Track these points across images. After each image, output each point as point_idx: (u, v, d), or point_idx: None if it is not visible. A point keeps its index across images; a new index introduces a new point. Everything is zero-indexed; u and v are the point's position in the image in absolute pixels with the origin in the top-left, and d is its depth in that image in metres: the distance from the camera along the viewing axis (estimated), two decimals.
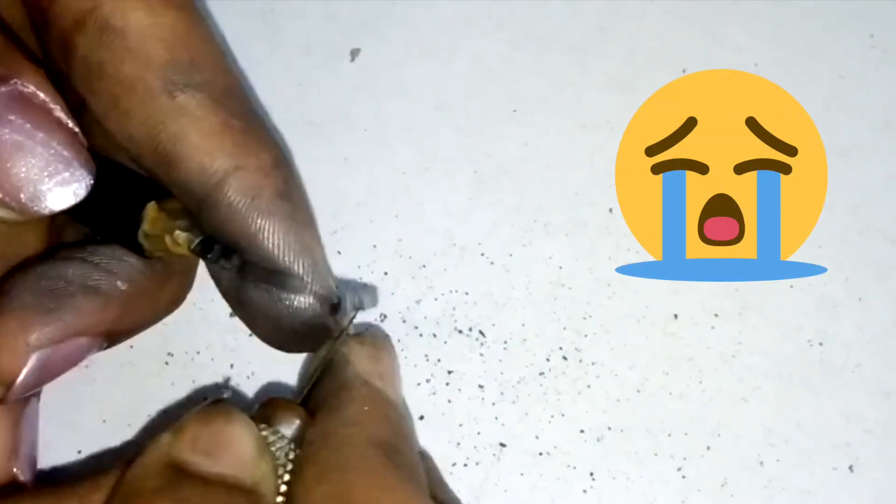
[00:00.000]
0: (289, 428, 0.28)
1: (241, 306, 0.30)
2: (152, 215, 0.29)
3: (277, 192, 0.28)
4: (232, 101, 0.29)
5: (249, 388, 0.35)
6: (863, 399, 0.35)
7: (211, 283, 0.33)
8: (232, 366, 0.35)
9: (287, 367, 0.35)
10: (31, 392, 0.29)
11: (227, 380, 0.35)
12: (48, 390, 0.31)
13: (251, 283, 0.29)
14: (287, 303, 0.29)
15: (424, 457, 0.33)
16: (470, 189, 0.37)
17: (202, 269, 0.33)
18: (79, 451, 0.34)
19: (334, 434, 0.28)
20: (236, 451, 0.26)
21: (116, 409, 0.34)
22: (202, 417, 0.27)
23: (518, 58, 0.38)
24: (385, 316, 0.35)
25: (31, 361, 0.27)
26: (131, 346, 0.34)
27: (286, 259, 0.28)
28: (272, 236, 0.28)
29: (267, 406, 0.29)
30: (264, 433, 0.28)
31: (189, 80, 0.28)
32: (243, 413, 0.27)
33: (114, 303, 0.29)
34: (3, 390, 0.28)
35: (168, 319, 0.33)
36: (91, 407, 0.34)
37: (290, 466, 0.28)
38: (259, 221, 0.28)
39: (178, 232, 0.28)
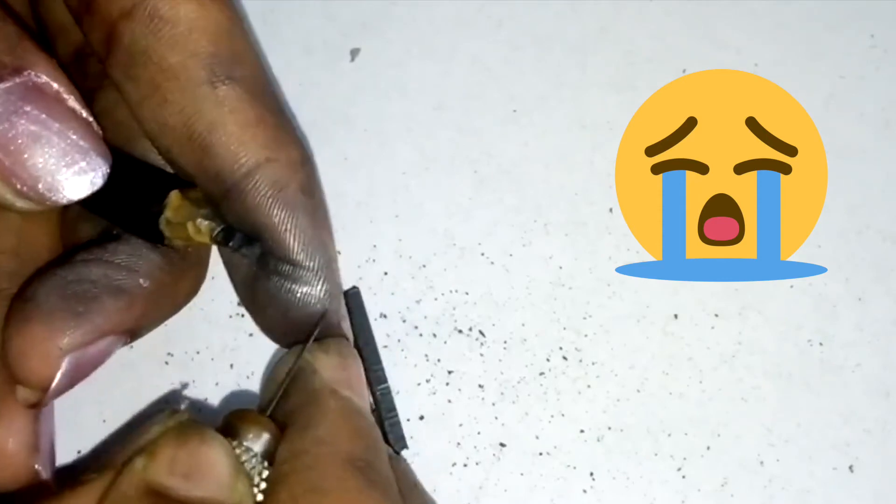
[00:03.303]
0: (257, 442, 0.27)
1: (252, 295, 0.31)
2: (175, 203, 0.29)
3: (302, 187, 0.29)
4: (267, 98, 0.30)
5: (248, 388, 0.35)
6: (862, 399, 0.35)
7: (210, 282, 0.34)
8: (232, 366, 0.35)
9: None
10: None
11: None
12: None
13: (266, 273, 0.30)
14: (298, 294, 0.30)
15: (398, 460, 0.33)
16: (470, 189, 0.37)
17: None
18: (79, 451, 0.34)
19: (306, 453, 0.27)
20: (214, 472, 0.26)
21: (116, 409, 0.34)
22: (176, 438, 0.26)
23: (518, 58, 0.38)
24: (385, 316, 0.35)
25: (64, 365, 0.27)
26: (131, 347, 0.34)
27: (303, 252, 0.29)
28: (294, 229, 0.29)
29: (234, 419, 0.28)
30: (236, 451, 0.27)
31: (230, 73, 0.29)
32: (216, 432, 0.27)
33: (138, 300, 0.29)
34: (39, 395, 0.28)
35: (168, 319, 0.33)
36: (91, 407, 0.34)
37: (263, 486, 0.27)
38: (283, 213, 0.29)
39: (200, 220, 0.29)
